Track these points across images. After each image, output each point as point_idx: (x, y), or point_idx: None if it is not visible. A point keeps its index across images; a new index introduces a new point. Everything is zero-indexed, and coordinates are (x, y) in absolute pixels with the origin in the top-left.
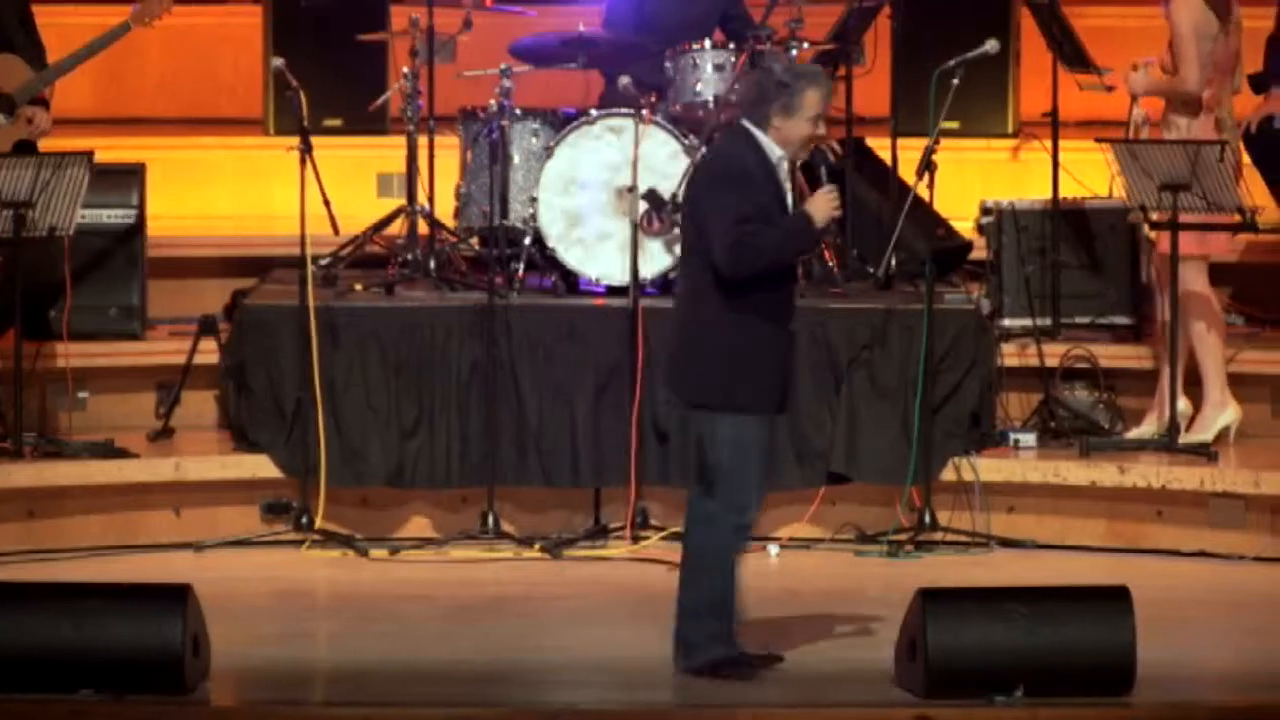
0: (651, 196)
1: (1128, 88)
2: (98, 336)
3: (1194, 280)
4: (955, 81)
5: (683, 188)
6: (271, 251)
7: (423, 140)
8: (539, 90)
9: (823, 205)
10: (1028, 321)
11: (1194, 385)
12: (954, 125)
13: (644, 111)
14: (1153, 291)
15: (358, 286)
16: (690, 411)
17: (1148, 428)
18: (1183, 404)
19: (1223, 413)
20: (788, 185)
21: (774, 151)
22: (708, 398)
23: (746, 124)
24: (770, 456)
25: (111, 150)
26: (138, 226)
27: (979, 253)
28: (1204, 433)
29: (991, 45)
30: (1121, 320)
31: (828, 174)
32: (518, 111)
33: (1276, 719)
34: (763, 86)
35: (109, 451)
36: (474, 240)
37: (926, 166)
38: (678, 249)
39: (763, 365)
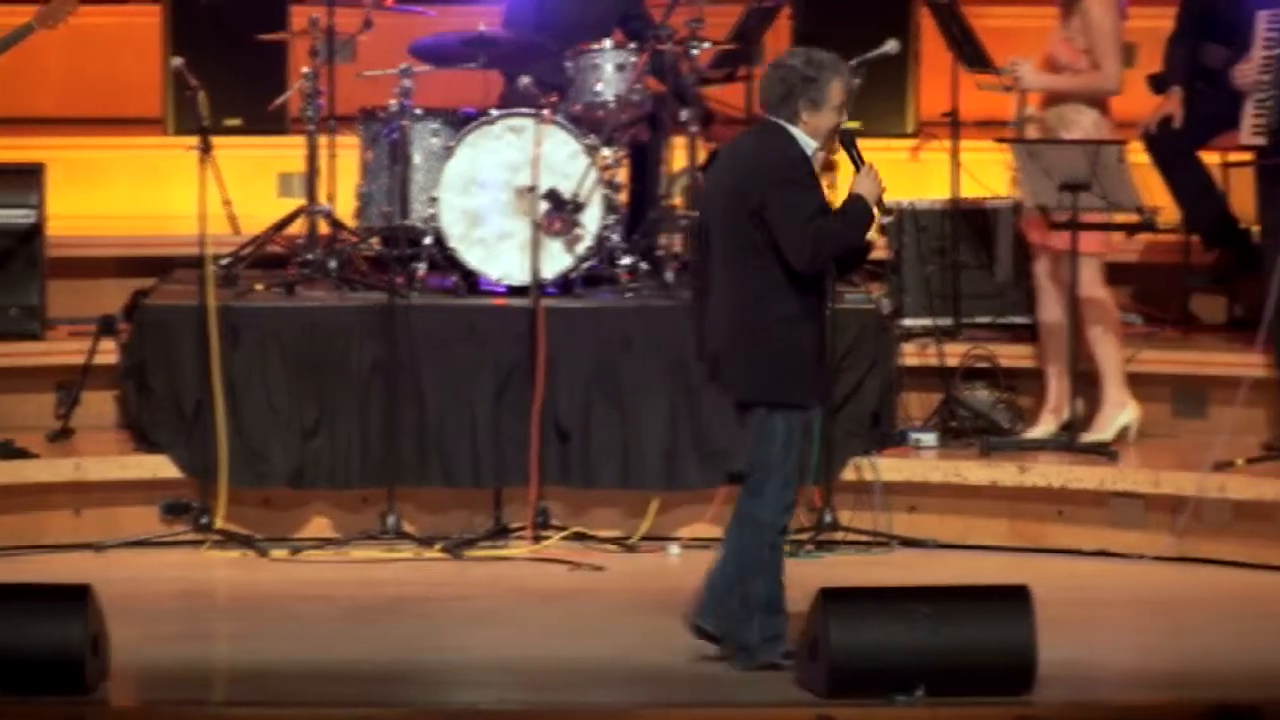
0: (552, 196)
1: (1020, 84)
2: None
3: (1090, 280)
4: (856, 81)
5: (715, 189)
6: (172, 251)
7: (323, 140)
8: (439, 90)
9: (871, 184)
10: (928, 321)
11: (1089, 384)
12: (854, 125)
13: (544, 111)
14: (1037, 291)
15: (258, 286)
16: (748, 408)
17: (1045, 427)
18: (1054, 400)
19: (1122, 412)
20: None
21: (809, 145)
22: (771, 395)
23: (779, 121)
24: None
25: (11, 150)
26: (37, 227)
27: (879, 252)
28: (1104, 432)
29: (892, 45)
30: (1021, 320)
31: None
32: (418, 111)
33: (1176, 718)
34: (788, 83)
35: (8, 452)
36: (375, 240)
37: (827, 166)
38: (578, 249)
39: (811, 361)
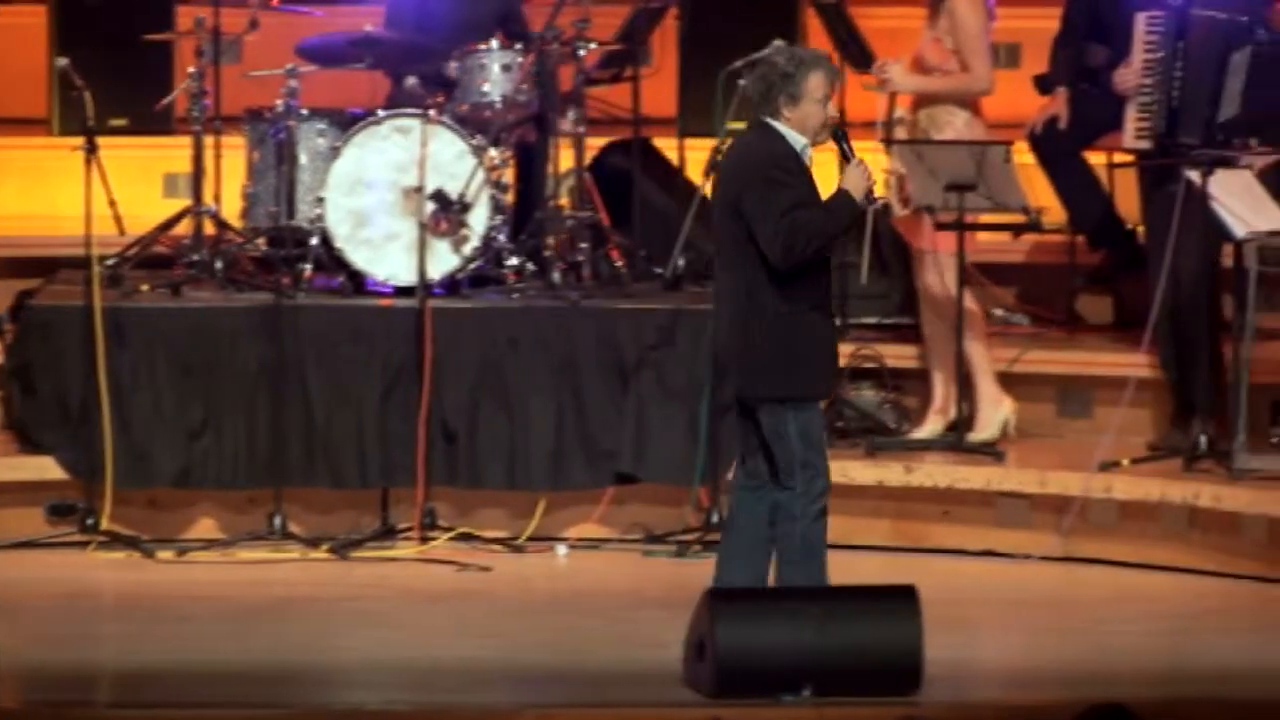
0: (439, 197)
1: (889, 85)
2: None
3: (951, 281)
4: (742, 82)
5: (710, 191)
6: (57, 252)
7: (209, 141)
8: (326, 91)
9: (857, 178)
10: None
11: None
12: (741, 125)
13: (431, 112)
14: (919, 292)
15: (144, 287)
16: (757, 406)
17: (931, 427)
18: (940, 400)
19: (999, 409)
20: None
21: (797, 141)
22: (774, 390)
23: (765, 119)
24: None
25: None
26: None
27: None
28: (986, 431)
29: (777, 46)
30: (907, 320)
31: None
32: (304, 112)
33: (1060, 718)
34: (768, 80)
35: None
36: (261, 241)
37: (714, 167)
38: (465, 249)
39: (817, 352)
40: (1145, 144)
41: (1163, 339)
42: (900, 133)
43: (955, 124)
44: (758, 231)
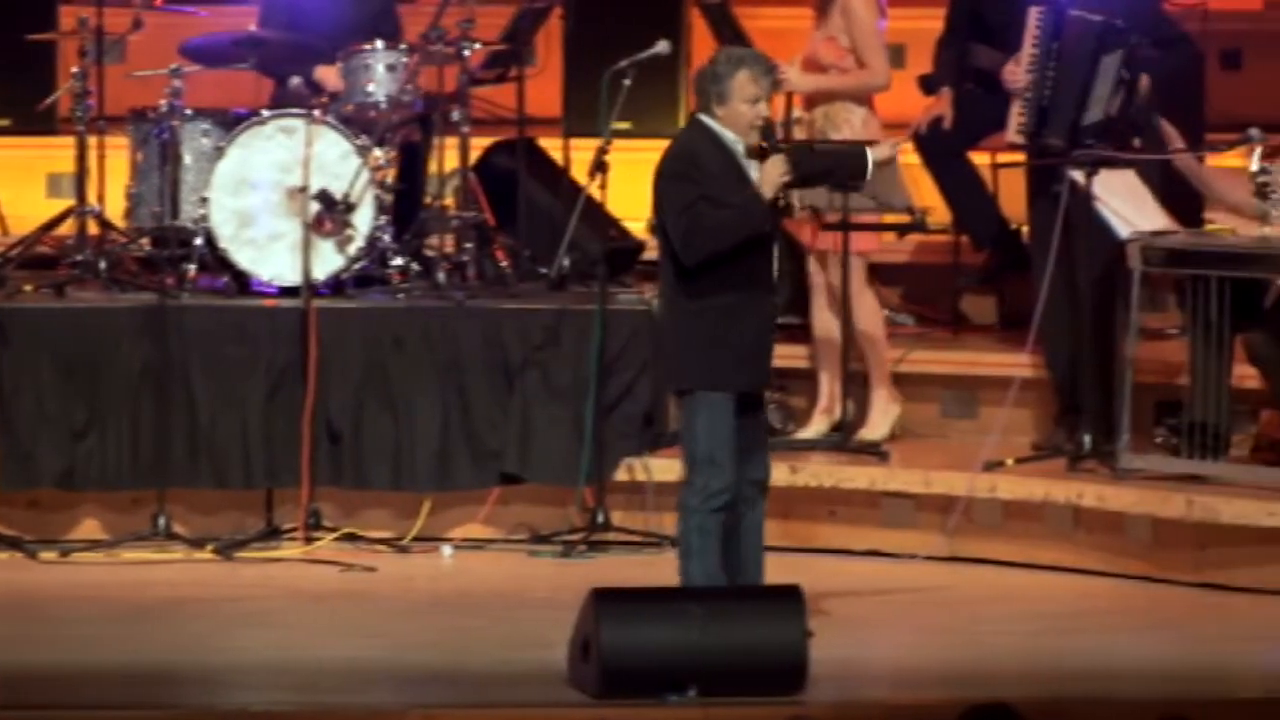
0: (323, 197)
1: (787, 85)
2: None
3: (857, 280)
4: (627, 82)
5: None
6: None
7: (93, 141)
8: (210, 91)
9: (771, 175)
10: None
11: (860, 385)
12: (625, 126)
13: (316, 112)
14: (810, 292)
15: (27, 288)
16: (677, 398)
17: (817, 427)
18: (826, 400)
19: (891, 411)
20: (753, 170)
21: (730, 138)
22: (681, 381)
23: (701, 116)
24: (753, 435)
25: None
26: None
27: (652, 253)
28: (875, 432)
29: (663, 46)
30: (792, 320)
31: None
32: (188, 112)
33: (943, 717)
34: (702, 79)
35: None
36: (145, 241)
37: (599, 167)
38: (350, 249)
39: (732, 343)
40: (1020, 139)
41: (1048, 339)
42: (798, 133)
43: (853, 122)
44: (666, 226)
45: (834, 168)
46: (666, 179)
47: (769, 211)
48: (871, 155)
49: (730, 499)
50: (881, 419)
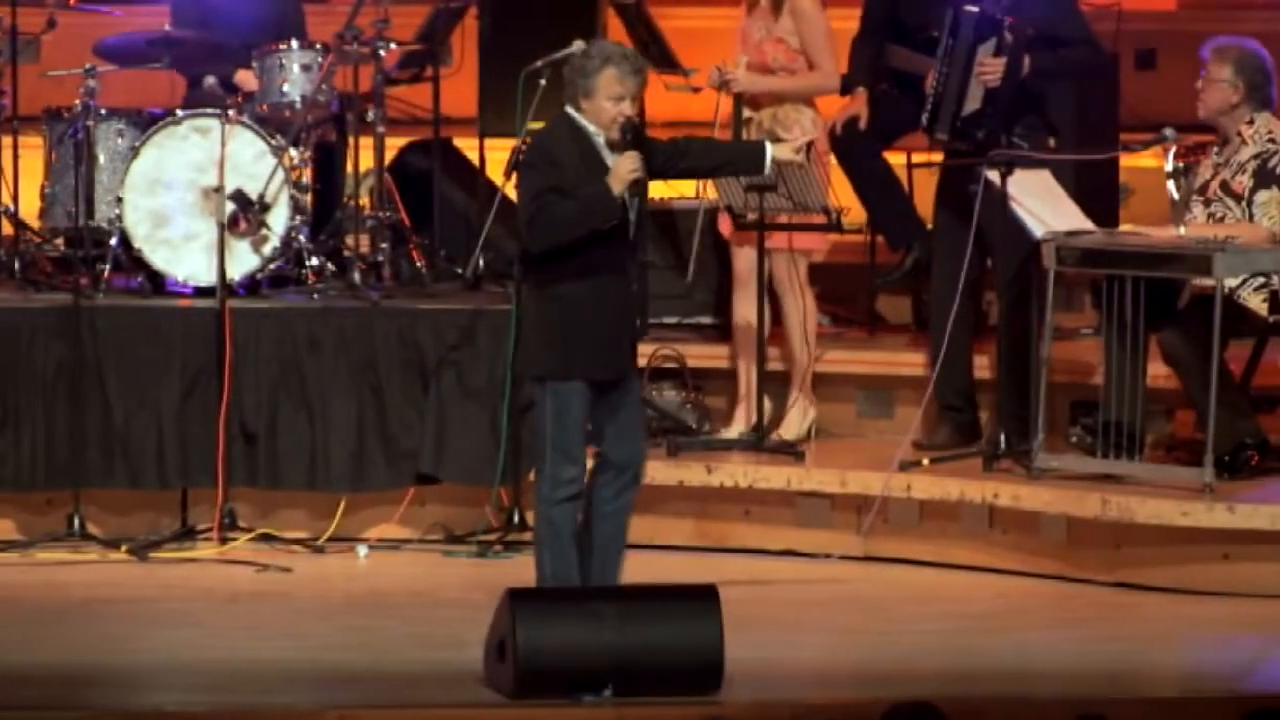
0: (238, 197)
1: (735, 86)
2: None
3: (802, 278)
4: (542, 82)
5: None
6: None
7: (6, 140)
8: (125, 90)
9: (620, 171)
10: None
11: (780, 384)
12: (541, 126)
13: (231, 112)
14: (736, 289)
15: None
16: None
17: (738, 427)
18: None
19: (810, 414)
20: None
21: (593, 131)
22: (531, 368)
23: (568, 108)
24: (621, 420)
25: None
26: None
27: None
28: (793, 431)
29: (578, 46)
30: (708, 320)
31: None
32: (103, 111)
33: (860, 716)
34: (570, 71)
35: None
36: (59, 241)
37: (514, 167)
38: (265, 249)
39: (578, 331)
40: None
41: (935, 338)
42: (745, 134)
43: (803, 122)
44: (518, 213)
45: (724, 164)
46: (522, 167)
47: (616, 206)
48: (771, 152)
49: (581, 490)
50: (800, 420)
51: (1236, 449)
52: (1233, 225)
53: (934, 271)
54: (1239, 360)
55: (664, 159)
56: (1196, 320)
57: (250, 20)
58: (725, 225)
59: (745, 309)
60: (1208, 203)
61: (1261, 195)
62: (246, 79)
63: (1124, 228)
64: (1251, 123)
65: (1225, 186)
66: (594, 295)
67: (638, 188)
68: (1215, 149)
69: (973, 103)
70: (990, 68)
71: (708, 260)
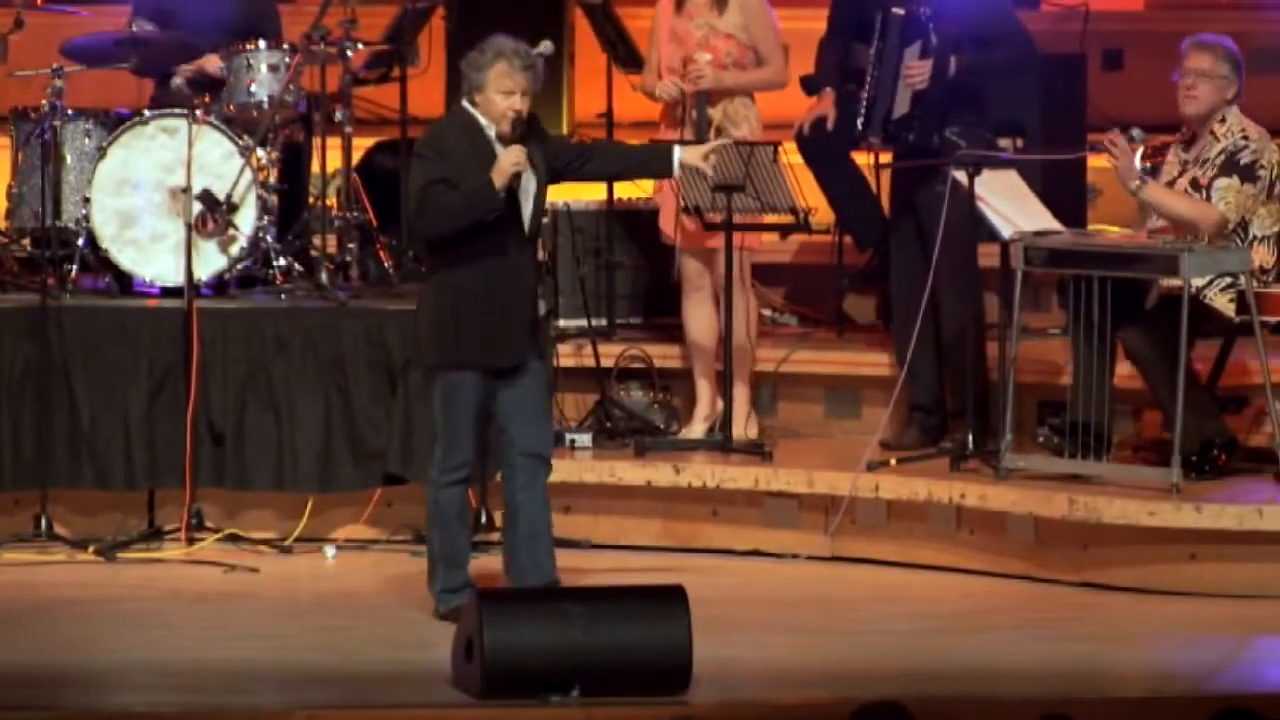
0: (206, 197)
1: (705, 82)
2: None
3: (742, 277)
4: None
5: None
6: None
7: None
8: (92, 91)
9: (502, 164)
10: (583, 322)
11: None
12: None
13: (198, 112)
14: (688, 292)
15: None
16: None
17: (701, 427)
18: (707, 404)
19: (752, 413)
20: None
21: (488, 125)
22: (422, 358)
23: (463, 102)
24: (519, 408)
25: None
26: None
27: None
28: (753, 429)
29: (546, 46)
30: (675, 321)
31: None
32: (70, 112)
33: (828, 716)
34: (464, 64)
35: None
36: (26, 241)
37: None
38: (232, 250)
39: (464, 321)
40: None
41: (899, 337)
42: (690, 132)
43: (750, 119)
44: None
45: (631, 167)
46: (414, 158)
47: (497, 198)
48: (679, 155)
49: (468, 474)
50: (748, 420)
51: (1203, 449)
52: (1186, 201)
53: (892, 272)
54: (1207, 360)
55: (567, 160)
56: (1162, 320)
57: (218, 19)
58: (669, 229)
59: (698, 313)
60: None
61: (1221, 182)
62: (205, 63)
63: (1092, 227)
64: (1224, 120)
65: (1195, 184)
66: (483, 286)
67: (520, 181)
68: (1180, 146)
69: (901, 106)
70: (916, 70)
71: (671, 261)
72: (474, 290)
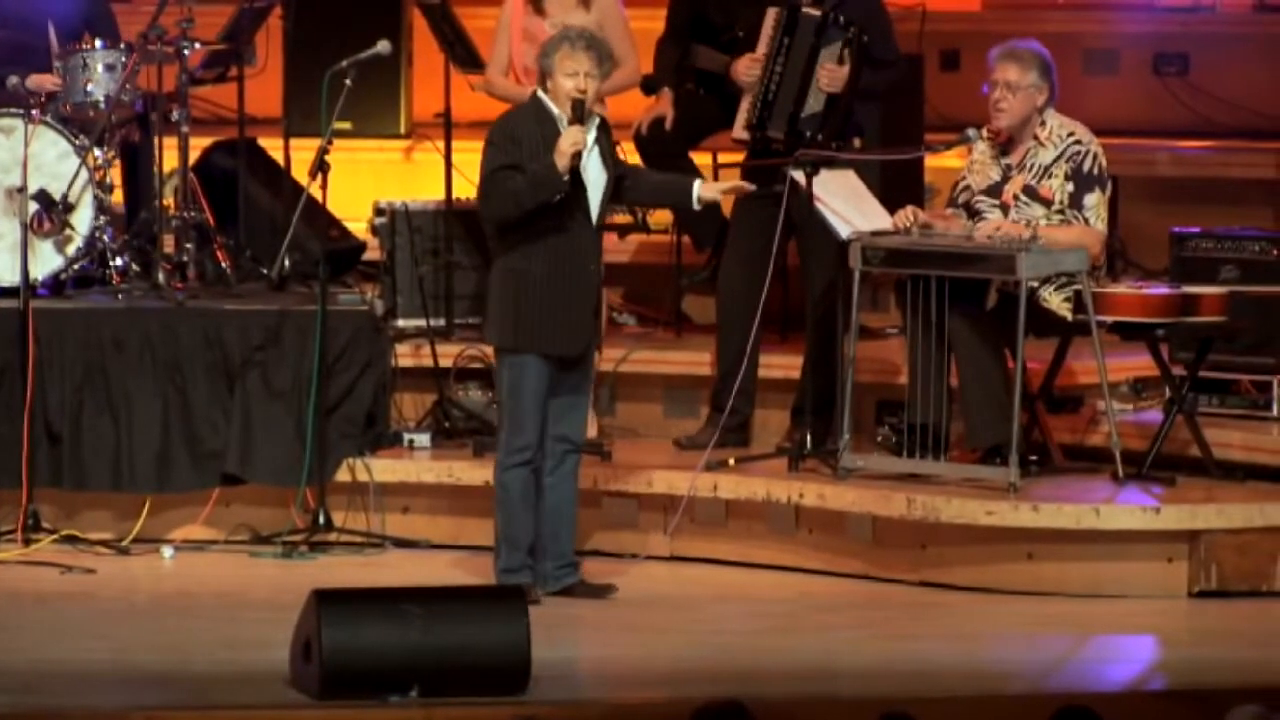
0: (42, 197)
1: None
2: None
3: None
4: (347, 82)
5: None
6: None
7: None
8: None
9: (562, 145)
10: (421, 322)
11: None
12: (346, 126)
13: (34, 111)
14: None
15: None
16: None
17: None
18: None
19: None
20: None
21: (556, 110)
22: (493, 339)
23: (537, 90)
24: (570, 395)
25: None
26: None
27: (373, 253)
28: (592, 431)
29: (383, 46)
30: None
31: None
32: None
33: (668, 715)
34: (538, 56)
35: None
36: None
37: (319, 167)
38: (69, 249)
39: (533, 307)
40: (744, 135)
41: (726, 337)
42: None
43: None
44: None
45: (656, 195)
46: (485, 145)
47: (560, 180)
48: (698, 191)
49: (532, 457)
50: (591, 419)
51: (990, 451)
52: (1072, 229)
53: (722, 270)
54: (1043, 361)
55: (619, 168)
56: (995, 318)
57: (53, 18)
58: None
59: None
60: (1005, 208)
61: (1089, 199)
62: (42, 82)
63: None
64: (1044, 124)
65: (1031, 191)
66: (550, 274)
67: (585, 165)
68: (991, 150)
69: (814, 104)
70: (833, 74)
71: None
72: (538, 276)
